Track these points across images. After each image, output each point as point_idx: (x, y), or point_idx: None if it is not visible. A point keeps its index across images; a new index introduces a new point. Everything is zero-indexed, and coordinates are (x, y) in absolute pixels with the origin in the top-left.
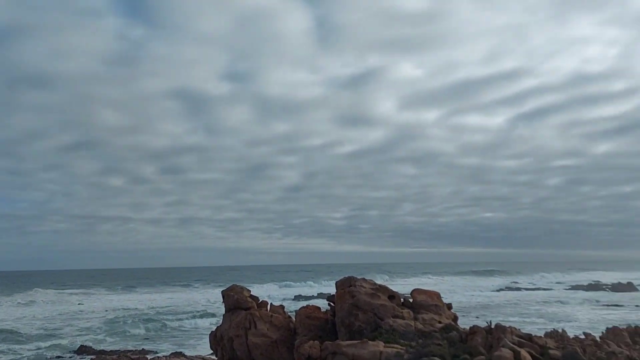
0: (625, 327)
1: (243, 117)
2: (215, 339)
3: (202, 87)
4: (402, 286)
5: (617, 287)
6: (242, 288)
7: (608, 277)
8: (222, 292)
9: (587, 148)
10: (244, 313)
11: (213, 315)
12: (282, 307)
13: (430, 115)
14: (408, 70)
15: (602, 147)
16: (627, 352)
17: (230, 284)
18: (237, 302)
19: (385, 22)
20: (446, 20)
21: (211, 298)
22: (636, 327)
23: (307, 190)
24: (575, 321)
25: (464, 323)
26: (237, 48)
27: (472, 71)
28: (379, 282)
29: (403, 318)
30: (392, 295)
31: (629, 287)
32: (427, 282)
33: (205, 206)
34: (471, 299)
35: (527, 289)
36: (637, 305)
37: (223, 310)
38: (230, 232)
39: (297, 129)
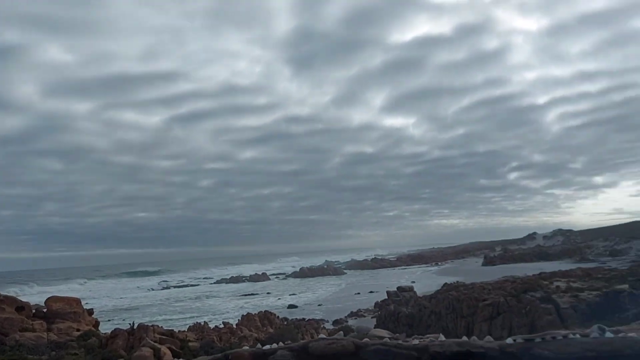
0: (257, 312)
1: None
2: None
3: None
4: (41, 295)
5: (254, 278)
6: None
7: (248, 269)
8: None
9: (235, 153)
10: None
11: None
12: None
13: (81, 106)
14: (55, 53)
15: (247, 154)
16: (256, 335)
17: None
18: None
19: None
20: (100, 8)
21: None
22: (266, 311)
23: None
24: (221, 313)
25: (110, 327)
26: None
27: (128, 66)
28: (6, 293)
29: (34, 330)
30: (22, 307)
31: (263, 277)
32: (74, 288)
33: None
34: (120, 301)
35: (177, 287)
36: (268, 293)
37: None
38: None
39: None
